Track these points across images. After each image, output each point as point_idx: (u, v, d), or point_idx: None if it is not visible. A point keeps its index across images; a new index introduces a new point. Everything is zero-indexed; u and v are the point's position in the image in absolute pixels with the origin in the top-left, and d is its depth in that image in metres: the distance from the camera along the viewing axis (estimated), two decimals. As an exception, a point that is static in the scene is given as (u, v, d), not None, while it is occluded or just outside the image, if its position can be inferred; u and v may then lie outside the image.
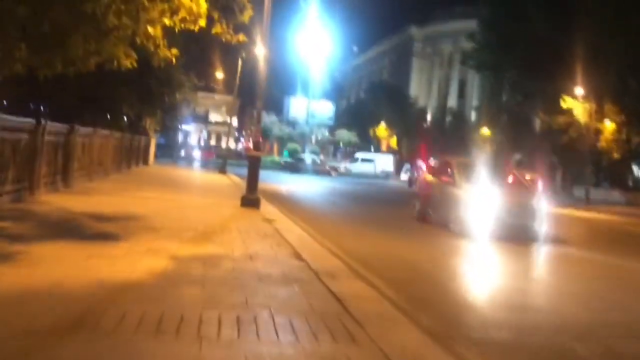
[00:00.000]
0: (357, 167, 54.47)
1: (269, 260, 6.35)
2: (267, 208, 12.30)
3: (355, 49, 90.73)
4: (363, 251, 8.59)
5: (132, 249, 6.22)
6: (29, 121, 9.73)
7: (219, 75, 44.30)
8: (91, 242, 6.44)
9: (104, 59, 9.68)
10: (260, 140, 13.26)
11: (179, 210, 10.75)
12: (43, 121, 10.12)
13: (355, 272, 6.27)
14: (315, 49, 57.44)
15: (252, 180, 12.22)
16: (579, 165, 42.04)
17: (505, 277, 8.20)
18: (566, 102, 36.19)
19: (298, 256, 6.68)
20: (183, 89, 27.81)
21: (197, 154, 44.24)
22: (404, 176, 50.68)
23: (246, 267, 5.86)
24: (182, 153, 41.90)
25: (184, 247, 6.68)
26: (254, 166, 12.46)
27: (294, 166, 49.69)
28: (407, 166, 51.84)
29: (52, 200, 9.94)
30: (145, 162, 28.11)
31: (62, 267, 5.11)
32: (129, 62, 9.84)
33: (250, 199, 12.05)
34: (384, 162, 57.03)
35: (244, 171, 13.71)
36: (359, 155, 58.78)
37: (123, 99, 23.50)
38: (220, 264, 5.86)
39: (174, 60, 10.36)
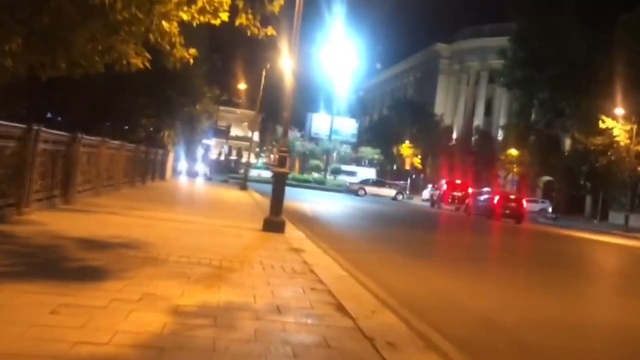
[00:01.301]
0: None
1: (302, 315, 4.69)
2: (292, 233, 10.70)
3: (378, 65, 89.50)
4: (420, 297, 6.93)
5: (121, 294, 4.63)
6: (18, 126, 8.26)
7: (242, 86, 43.10)
8: (68, 282, 4.84)
9: (113, 59, 8.30)
10: (287, 154, 11.59)
11: (191, 234, 9.16)
12: (35, 126, 8.64)
13: (423, 337, 4.58)
14: (338, 65, 56.36)
15: (277, 200, 10.58)
16: (615, 190, 40.07)
17: None
18: (605, 123, 34.28)
19: (340, 308, 5.03)
20: (204, 100, 26.50)
21: (200, 168, 42.02)
22: (426, 195, 49.67)
23: (273, 328, 4.22)
24: (179, 167, 38.57)
25: (191, 291, 5.07)
26: (279, 185, 10.82)
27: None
28: (430, 186, 51.15)
29: (43, 219, 8.44)
30: (162, 176, 26.70)
31: (9, 328, 3.53)
32: (139, 61, 8.48)
33: (274, 222, 10.46)
34: (365, 176, 55.02)
35: (262, 187, 11.98)
36: (342, 167, 59.43)
37: (141, 109, 22.28)
38: (237, 323, 4.23)
39: (191, 61, 9.04)
